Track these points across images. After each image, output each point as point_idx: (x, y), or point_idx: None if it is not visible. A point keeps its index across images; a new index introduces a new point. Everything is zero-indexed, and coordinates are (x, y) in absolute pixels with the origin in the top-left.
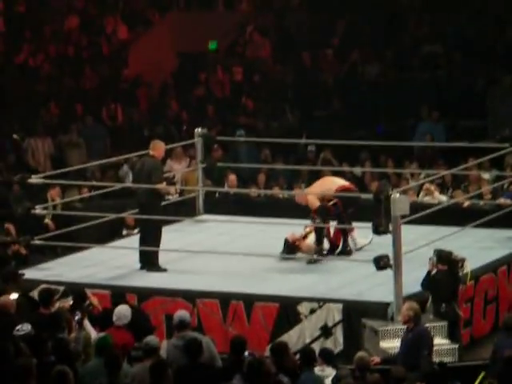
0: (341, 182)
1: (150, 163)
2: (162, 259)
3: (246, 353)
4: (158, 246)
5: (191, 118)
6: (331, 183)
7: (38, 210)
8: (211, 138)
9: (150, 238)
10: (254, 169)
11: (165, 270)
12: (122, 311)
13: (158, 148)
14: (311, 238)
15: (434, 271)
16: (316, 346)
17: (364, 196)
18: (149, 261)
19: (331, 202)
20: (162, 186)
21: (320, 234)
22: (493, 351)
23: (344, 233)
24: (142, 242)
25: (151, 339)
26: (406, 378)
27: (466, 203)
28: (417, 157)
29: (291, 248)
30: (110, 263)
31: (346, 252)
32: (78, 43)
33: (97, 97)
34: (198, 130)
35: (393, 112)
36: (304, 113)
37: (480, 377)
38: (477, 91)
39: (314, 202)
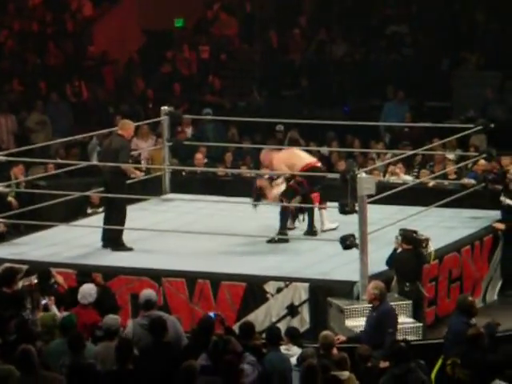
0: (307, 159)
1: (117, 142)
2: (128, 238)
3: (212, 313)
4: (123, 224)
5: (157, 96)
6: (298, 159)
7: (1, 187)
8: (177, 116)
9: (115, 216)
10: (221, 148)
11: (130, 249)
12: (87, 290)
13: (127, 128)
14: (279, 189)
15: (398, 250)
16: (282, 325)
17: (330, 176)
18: (113, 240)
19: (295, 181)
20: (129, 166)
21: (284, 215)
22: (447, 331)
23: (310, 213)
24: (107, 220)
25: (111, 321)
26: (371, 356)
27: (432, 183)
28: (399, 136)
29: (258, 195)
30: (74, 242)
31: (312, 232)
32: (42, 19)
33: (61, 74)
34: (165, 108)
35: (359, 92)
36: (271, 92)
37: (439, 363)
38: (442, 72)
39: (279, 168)
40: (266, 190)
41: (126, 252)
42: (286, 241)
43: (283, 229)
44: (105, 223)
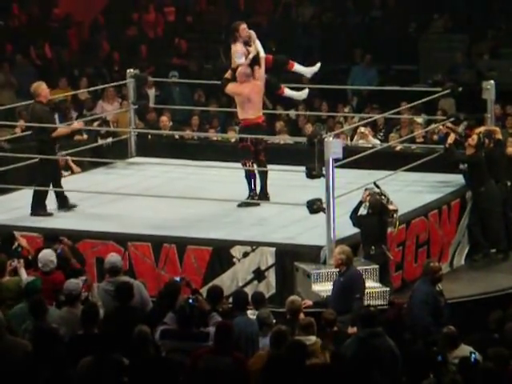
0: (252, 114)
1: (37, 111)
2: (94, 201)
3: (178, 278)
4: (46, 191)
5: (123, 59)
6: (247, 111)
7: None
8: (143, 78)
9: (40, 181)
10: (187, 111)
11: (50, 215)
12: (47, 257)
13: (40, 91)
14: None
15: (364, 206)
16: (249, 290)
17: (297, 139)
18: (35, 204)
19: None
20: (59, 130)
21: (250, 179)
22: (409, 296)
23: (265, 176)
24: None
25: (72, 285)
26: (337, 320)
27: (399, 147)
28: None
29: None
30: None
31: (266, 196)
32: None
33: (26, 36)
34: (130, 71)
35: (327, 55)
36: None
37: None
38: (409, 35)
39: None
40: None
41: (89, 216)
42: (257, 204)
43: (252, 192)
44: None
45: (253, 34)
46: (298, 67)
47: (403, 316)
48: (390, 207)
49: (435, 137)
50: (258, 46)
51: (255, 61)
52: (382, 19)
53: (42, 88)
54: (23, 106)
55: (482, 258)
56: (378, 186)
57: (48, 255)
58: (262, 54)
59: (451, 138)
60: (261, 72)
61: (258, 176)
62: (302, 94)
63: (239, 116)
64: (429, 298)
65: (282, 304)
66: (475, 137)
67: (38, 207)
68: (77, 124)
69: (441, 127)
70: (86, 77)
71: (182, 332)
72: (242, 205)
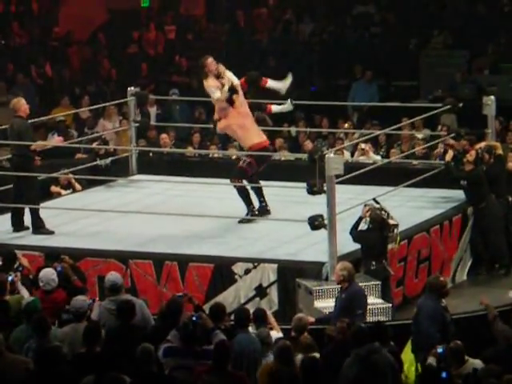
0: (256, 138)
1: (17, 125)
2: (95, 220)
3: (180, 294)
4: (38, 207)
5: (124, 77)
6: (249, 137)
7: None
8: (144, 96)
9: (26, 200)
10: (188, 128)
11: (52, 233)
12: (48, 275)
13: (20, 106)
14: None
15: (365, 222)
16: (251, 307)
17: (299, 156)
18: (35, 221)
19: (246, 162)
20: (37, 144)
21: (245, 195)
22: (415, 312)
23: (260, 191)
24: (18, 203)
25: (79, 303)
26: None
27: (401, 163)
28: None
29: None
30: None
31: (265, 211)
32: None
33: (27, 55)
34: (131, 89)
35: (327, 71)
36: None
37: (408, 344)
38: (409, 51)
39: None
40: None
41: (90, 234)
42: (258, 219)
43: (250, 206)
44: (14, 208)
45: (221, 66)
46: (271, 83)
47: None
48: (391, 222)
49: (435, 159)
50: (229, 75)
51: (232, 91)
52: (382, 36)
53: (21, 103)
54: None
55: (485, 273)
56: (377, 202)
57: (49, 274)
58: (236, 81)
59: (449, 156)
60: (240, 98)
61: (252, 191)
62: (286, 84)
63: (246, 145)
64: (437, 314)
65: (284, 321)
66: (473, 152)
67: (38, 223)
68: (56, 139)
69: (438, 149)
70: (88, 95)
71: (185, 349)
72: (244, 221)
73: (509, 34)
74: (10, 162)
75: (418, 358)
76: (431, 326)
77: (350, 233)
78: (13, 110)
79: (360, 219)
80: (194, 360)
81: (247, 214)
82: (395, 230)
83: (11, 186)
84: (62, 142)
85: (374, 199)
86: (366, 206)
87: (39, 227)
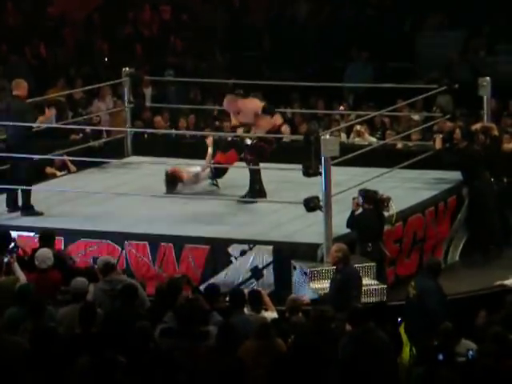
0: (271, 120)
1: (18, 105)
2: (90, 200)
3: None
4: (30, 188)
5: (118, 58)
6: (265, 122)
7: None
8: (139, 77)
9: (20, 181)
10: (183, 109)
11: (41, 214)
12: (44, 253)
13: (22, 87)
14: (194, 168)
15: (358, 211)
16: (246, 288)
17: (294, 137)
18: (23, 205)
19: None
20: (42, 120)
21: (254, 176)
22: (416, 293)
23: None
24: (13, 184)
25: (79, 284)
26: (335, 318)
27: (399, 145)
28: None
29: (172, 182)
30: (35, 205)
31: (263, 194)
32: None
33: (20, 35)
34: (126, 70)
35: (322, 53)
36: (233, 53)
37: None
38: (405, 33)
39: (248, 114)
40: (179, 174)
41: (85, 216)
42: (255, 201)
43: (255, 187)
44: (9, 189)
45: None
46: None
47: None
48: (384, 196)
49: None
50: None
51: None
52: (378, 17)
53: (23, 83)
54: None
55: (480, 254)
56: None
57: (45, 253)
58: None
59: (439, 143)
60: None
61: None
62: None
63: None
64: (441, 292)
65: (279, 302)
66: (457, 130)
67: (28, 205)
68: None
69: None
70: (82, 76)
71: (182, 330)
72: (242, 201)
73: (505, 14)
74: (5, 142)
75: (414, 337)
76: (439, 304)
77: (347, 226)
78: (13, 89)
79: (353, 212)
80: (190, 341)
81: (247, 195)
82: (390, 204)
83: (4, 167)
84: (54, 112)
85: (360, 191)
86: (354, 199)
87: (28, 208)
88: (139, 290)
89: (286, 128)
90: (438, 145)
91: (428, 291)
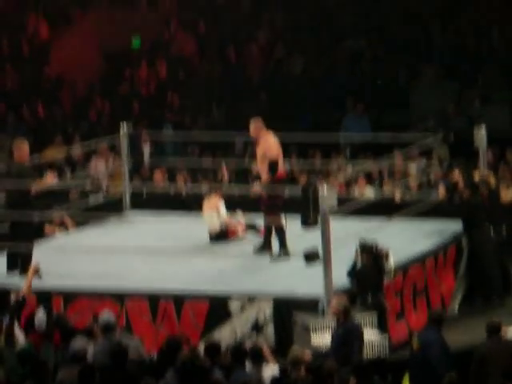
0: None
1: (17, 169)
2: (89, 258)
3: None
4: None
5: (116, 116)
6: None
7: None
8: (137, 134)
9: (24, 241)
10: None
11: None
12: (38, 316)
13: (23, 150)
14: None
15: (359, 262)
16: (247, 343)
17: (292, 190)
18: (24, 267)
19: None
20: (37, 185)
21: (284, 234)
22: (419, 346)
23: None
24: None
25: (78, 343)
26: (338, 372)
27: (398, 197)
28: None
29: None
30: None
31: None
32: None
33: (19, 96)
34: (124, 126)
35: (318, 105)
36: (231, 109)
37: (406, 377)
38: (400, 84)
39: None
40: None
41: (87, 273)
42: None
43: (283, 247)
44: (12, 250)
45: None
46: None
47: None
48: (382, 251)
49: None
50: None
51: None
52: (372, 69)
53: (25, 147)
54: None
55: (481, 304)
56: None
57: (44, 315)
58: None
59: (441, 193)
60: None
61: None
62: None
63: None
64: (444, 345)
65: (280, 356)
66: (460, 179)
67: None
68: (49, 176)
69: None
70: (80, 134)
71: None
72: (274, 259)
73: (498, 64)
74: (6, 205)
75: None
76: (442, 355)
77: (348, 275)
78: (14, 151)
79: (355, 263)
80: None
81: (279, 254)
82: (389, 257)
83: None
84: (55, 178)
85: (360, 242)
86: (356, 250)
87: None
88: (140, 348)
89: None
90: (441, 194)
91: (430, 343)
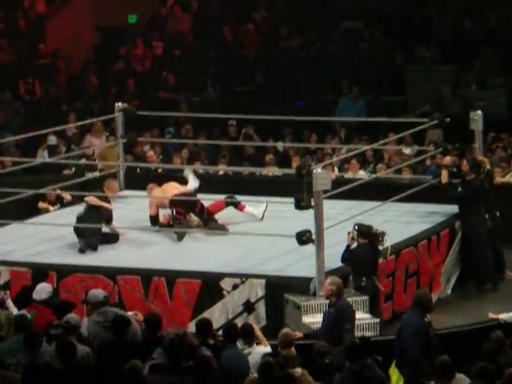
0: (178, 188)
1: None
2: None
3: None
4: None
5: (111, 93)
6: (169, 191)
7: None
8: (131, 112)
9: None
10: (176, 144)
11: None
12: (44, 286)
13: (114, 188)
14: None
15: (353, 245)
16: (239, 322)
17: (286, 171)
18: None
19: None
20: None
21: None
22: (399, 327)
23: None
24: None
25: (72, 317)
26: (329, 352)
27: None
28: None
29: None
30: (28, 240)
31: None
32: None
33: (14, 72)
34: (118, 105)
35: (314, 87)
36: (226, 88)
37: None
38: (396, 67)
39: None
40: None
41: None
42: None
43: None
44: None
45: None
46: (248, 209)
47: None
48: (377, 232)
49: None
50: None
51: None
52: (369, 51)
53: (113, 183)
54: (11, 142)
55: (474, 287)
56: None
57: (45, 286)
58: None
59: (444, 177)
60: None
61: None
62: (261, 210)
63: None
64: (420, 329)
65: (271, 336)
66: (465, 163)
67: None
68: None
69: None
70: (75, 111)
71: (171, 366)
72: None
73: (496, 48)
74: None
75: (403, 372)
76: (414, 340)
77: (342, 260)
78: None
79: (348, 247)
80: (179, 377)
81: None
82: (384, 238)
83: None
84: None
85: (355, 225)
86: (349, 233)
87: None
88: (133, 323)
89: (270, 158)
90: (444, 178)
91: (404, 325)
